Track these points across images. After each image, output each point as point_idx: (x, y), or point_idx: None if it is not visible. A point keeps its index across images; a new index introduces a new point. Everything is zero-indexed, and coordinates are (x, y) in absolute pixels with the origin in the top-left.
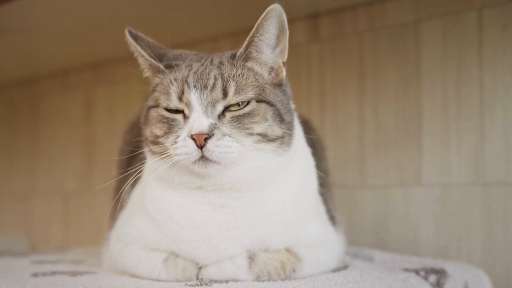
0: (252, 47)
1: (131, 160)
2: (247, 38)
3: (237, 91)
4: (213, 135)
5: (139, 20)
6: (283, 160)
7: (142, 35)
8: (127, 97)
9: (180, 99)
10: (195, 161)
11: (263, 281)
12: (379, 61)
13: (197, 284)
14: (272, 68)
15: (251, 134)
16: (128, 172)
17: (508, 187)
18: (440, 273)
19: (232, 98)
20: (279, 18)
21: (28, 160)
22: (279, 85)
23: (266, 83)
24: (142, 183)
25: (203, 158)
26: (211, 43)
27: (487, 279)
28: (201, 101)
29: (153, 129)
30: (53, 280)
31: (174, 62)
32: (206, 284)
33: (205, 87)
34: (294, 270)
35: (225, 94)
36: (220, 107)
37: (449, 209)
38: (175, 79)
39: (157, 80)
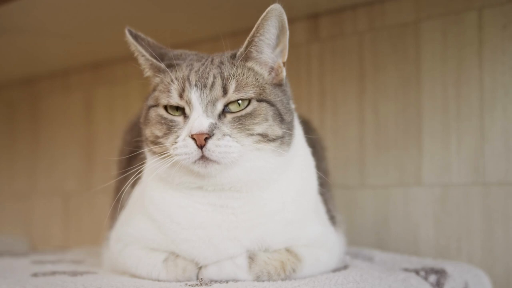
0: (252, 47)
1: (131, 160)
2: (247, 38)
3: (237, 89)
4: (213, 135)
5: (139, 20)
6: (283, 160)
7: (142, 34)
8: (127, 97)
9: (181, 96)
10: (195, 161)
11: (263, 281)
12: (379, 61)
13: (197, 284)
14: (272, 68)
15: (252, 134)
16: (128, 172)
17: (508, 187)
18: (440, 273)
19: (232, 95)
20: (279, 18)
21: (28, 160)
22: (279, 85)
23: (266, 83)
24: (142, 183)
25: (203, 158)
26: (211, 43)
27: (487, 279)
28: (201, 100)
29: (153, 129)
30: (53, 280)
31: (175, 62)
32: (206, 284)
33: (205, 86)
34: (294, 270)
35: (225, 92)
36: (220, 106)
37: (449, 209)
38: (176, 78)
39: (157, 79)
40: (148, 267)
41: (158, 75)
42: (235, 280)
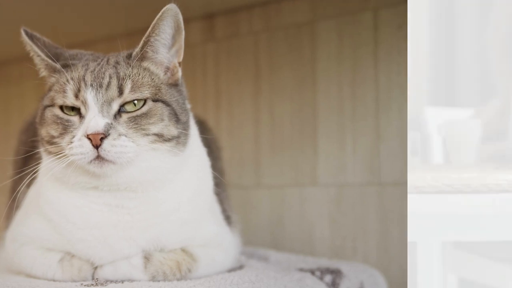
0: (148, 47)
1: (27, 160)
2: (143, 38)
3: (133, 89)
4: (109, 135)
5: (33, 20)
6: (178, 160)
7: (37, 34)
8: (22, 97)
9: (76, 96)
10: (90, 161)
11: (159, 281)
12: (274, 61)
13: (92, 284)
14: (168, 68)
15: (147, 134)
16: (24, 172)
17: (404, 187)
18: (336, 273)
19: (127, 96)
20: (175, 18)
21: None
22: (174, 85)
23: (162, 83)
24: (38, 183)
25: (99, 158)
26: (106, 43)
27: (382, 279)
28: (97, 100)
29: (49, 129)
30: None
31: (70, 62)
32: (102, 284)
33: (101, 86)
34: (189, 270)
35: (120, 92)
36: (115, 106)
37: (344, 209)
38: (72, 78)
39: (53, 79)
40: (43, 267)
41: (54, 75)
42: (131, 280)
